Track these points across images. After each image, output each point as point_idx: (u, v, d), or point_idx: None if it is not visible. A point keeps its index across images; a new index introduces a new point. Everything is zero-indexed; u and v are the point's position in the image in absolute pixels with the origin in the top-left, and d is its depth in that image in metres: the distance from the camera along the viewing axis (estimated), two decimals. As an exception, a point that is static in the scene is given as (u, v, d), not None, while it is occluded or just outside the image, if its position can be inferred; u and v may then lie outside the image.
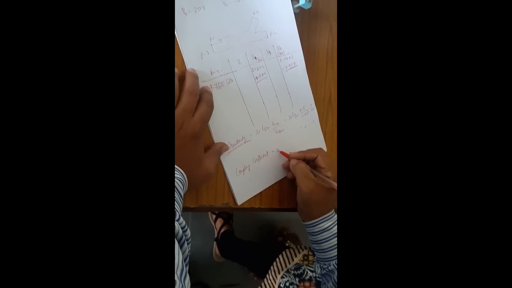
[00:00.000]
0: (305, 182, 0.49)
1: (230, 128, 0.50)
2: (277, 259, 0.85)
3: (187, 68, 0.45)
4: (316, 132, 0.58)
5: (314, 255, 0.80)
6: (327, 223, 0.49)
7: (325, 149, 0.59)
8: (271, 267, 0.84)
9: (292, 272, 0.79)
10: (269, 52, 0.52)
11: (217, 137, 0.48)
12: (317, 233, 0.50)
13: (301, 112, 0.56)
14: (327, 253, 0.50)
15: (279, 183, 0.55)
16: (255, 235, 1.47)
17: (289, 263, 0.83)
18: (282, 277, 0.79)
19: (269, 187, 0.54)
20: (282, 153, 0.54)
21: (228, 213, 1.39)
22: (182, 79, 0.44)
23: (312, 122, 0.58)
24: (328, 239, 0.49)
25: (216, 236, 1.36)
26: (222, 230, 1.34)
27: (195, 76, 0.44)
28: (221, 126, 0.48)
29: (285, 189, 0.56)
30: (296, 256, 0.84)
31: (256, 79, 0.51)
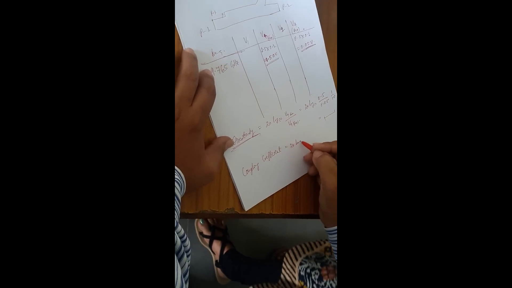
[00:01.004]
0: (331, 178, 0.43)
1: (235, 119, 0.44)
2: (293, 248, 0.78)
3: (183, 48, 0.40)
4: (337, 124, 0.51)
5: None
6: None
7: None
8: (286, 255, 0.77)
9: (313, 258, 0.73)
10: (282, 28, 0.46)
11: (220, 130, 0.43)
12: None
13: (319, 100, 0.50)
14: None
15: (294, 185, 0.49)
16: (255, 251, 1.32)
17: (308, 251, 0.76)
18: (301, 264, 0.73)
19: (282, 189, 0.49)
20: (304, 143, 0.49)
21: (222, 229, 1.24)
22: (178, 61, 0.40)
23: (333, 112, 0.52)
24: None
25: (217, 259, 1.20)
26: (225, 251, 1.18)
27: (194, 58, 0.40)
28: (224, 117, 0.43)
29: (301, 191, 0.50)
30: (317, 247, 0.77)
31: (265, 61, 0.45)
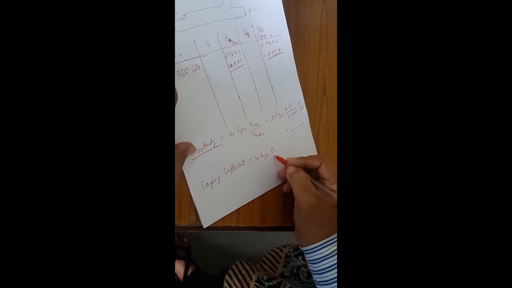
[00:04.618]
0: (304, 195, 0.39)
1: (195, 128, 0.40)
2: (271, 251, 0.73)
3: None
4: (306, 137, 0.48)
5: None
6: (330, 248, 0.39)
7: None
8: (264, 258, 0.72)
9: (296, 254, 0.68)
10: (248, 33, 0.43)
11: (179, 138, 0.40)
12: (318, 260, 0.40)
13: (287, 111, 0.47)
14: (332, 285, 0.40)
15: (261, 195, 0.46)
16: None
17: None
18: (285, 265, 0.69)
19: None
20: (278, 158, 0.45)
21: (184, 247, 1.11)
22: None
23: (301, 124, 0.48)
24: (331, 268, 0.39)
25: (181, 281, 1.06)
26: (189, 271, 1.05)
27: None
28: (185, 125, 0.40)
29: (269, 202, 0.46)
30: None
31: (230, 67, 0.42)
